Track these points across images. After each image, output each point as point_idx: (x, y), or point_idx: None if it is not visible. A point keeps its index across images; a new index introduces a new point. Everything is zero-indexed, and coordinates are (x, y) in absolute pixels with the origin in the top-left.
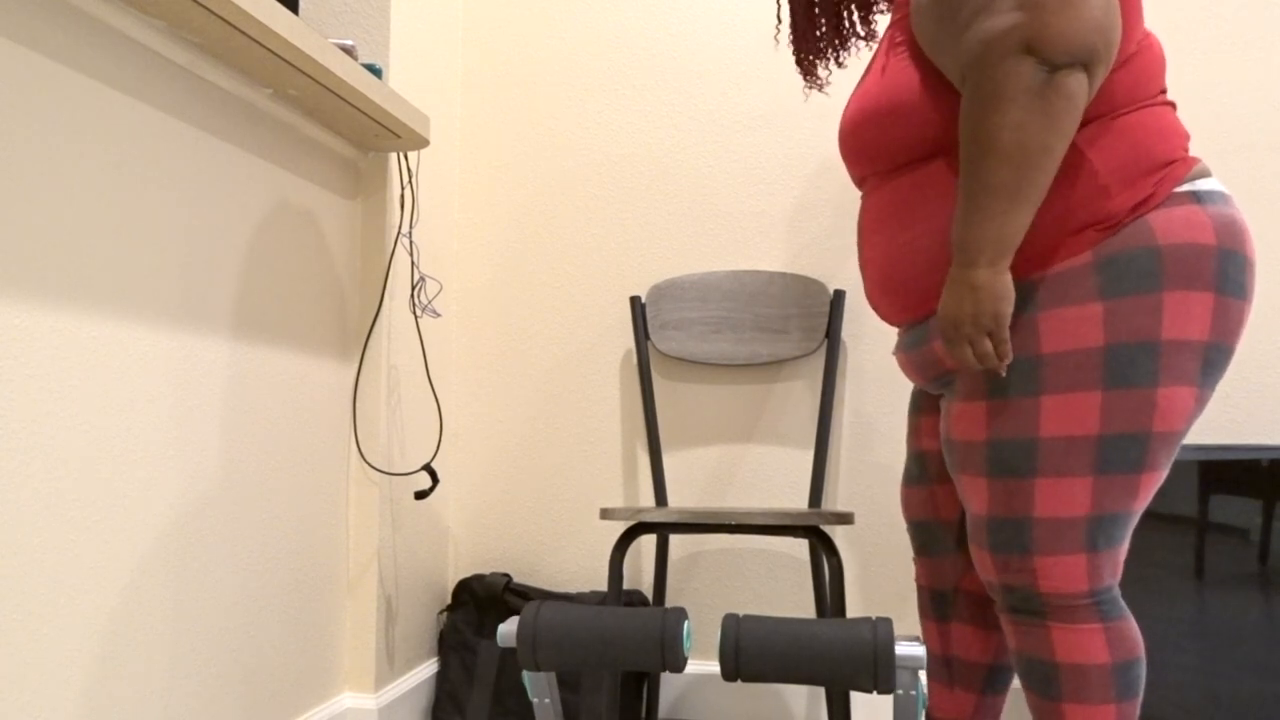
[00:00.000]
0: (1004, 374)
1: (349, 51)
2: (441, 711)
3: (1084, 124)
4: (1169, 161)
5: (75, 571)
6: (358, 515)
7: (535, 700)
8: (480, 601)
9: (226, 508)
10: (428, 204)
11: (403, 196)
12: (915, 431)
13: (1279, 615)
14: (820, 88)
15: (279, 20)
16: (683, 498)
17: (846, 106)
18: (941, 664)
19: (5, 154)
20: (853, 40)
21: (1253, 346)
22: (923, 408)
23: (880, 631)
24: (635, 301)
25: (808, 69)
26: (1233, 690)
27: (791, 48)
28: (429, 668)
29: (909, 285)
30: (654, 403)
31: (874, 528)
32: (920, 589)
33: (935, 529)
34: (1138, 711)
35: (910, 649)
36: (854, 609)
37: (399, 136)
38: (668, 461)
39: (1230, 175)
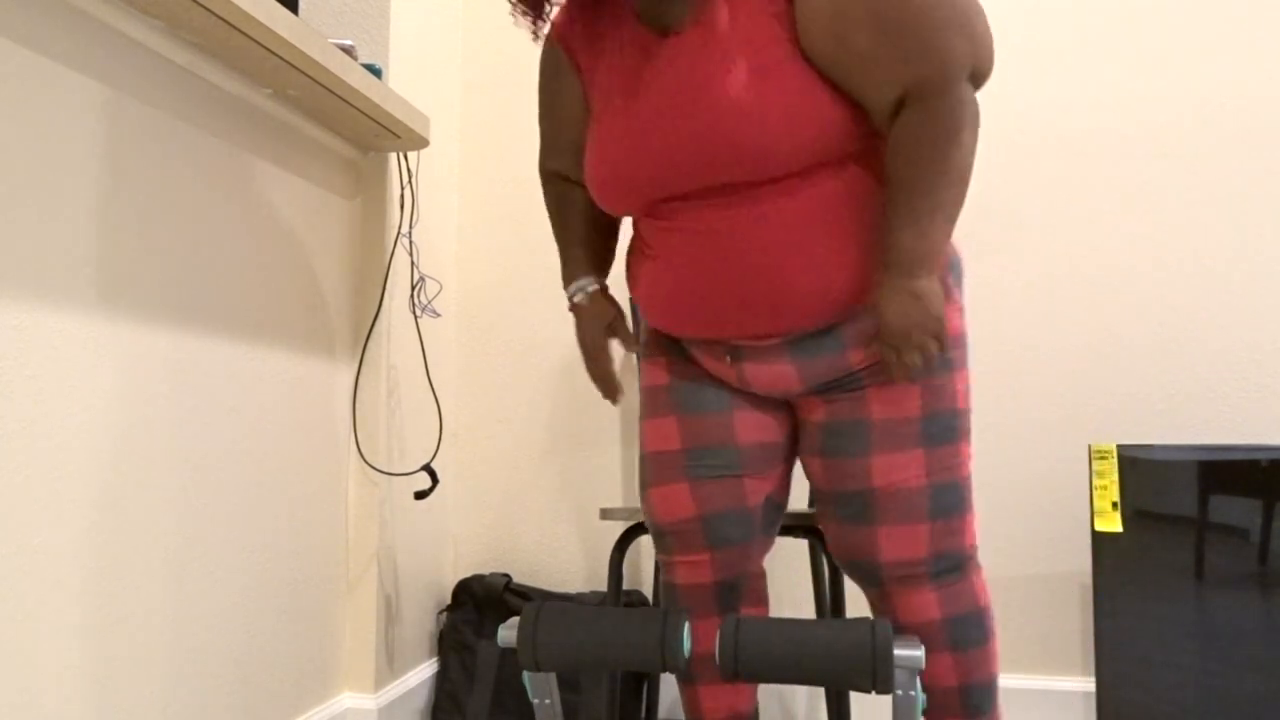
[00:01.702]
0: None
1: (349, 51)
2: (441, 712)
3: None
4: None
5: (75, 571)
6: (358, 515)
7: (535, 701)
8: (480, 602)
9: (226, 508)
10: (428, 204)
11: (402, 196)
12: (724, 429)
13: (1279, 615)
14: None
15: (279, 20)
16: None
17: (700, 99)
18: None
19: (5, 154)
20: None
21: (1252, 347)
22: (734, 405)
23: (879, 632)
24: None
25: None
26: (1233, 690)
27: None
28: (429, 668)
29: (833, 293)
30: None
31: None
32: (699, 587)
33: (742, 516)
34: None
35: (909, 650)
36: (852, 609)
37: (399, 136)
38: None
39: (1230, 174)
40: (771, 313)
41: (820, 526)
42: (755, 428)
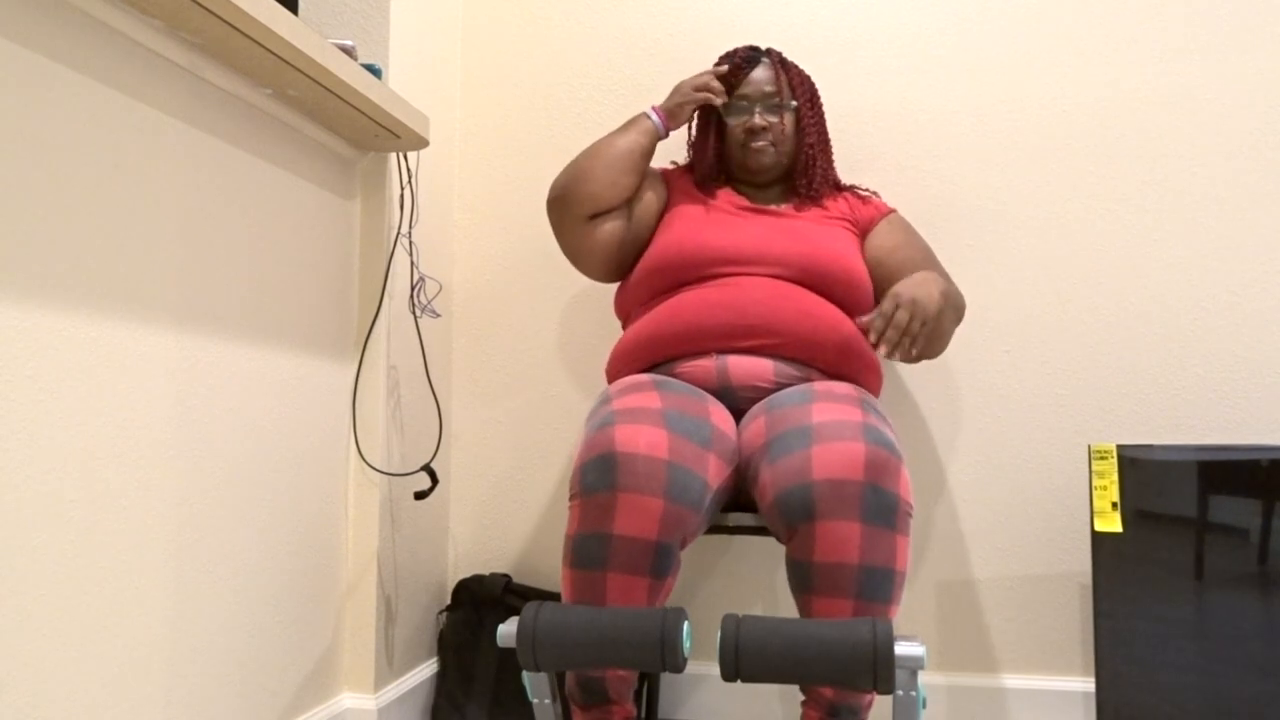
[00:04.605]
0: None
1: (349, 52)
2: (441, 712)
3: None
4: None
5: (75, 571)
6: (357, 515)
7: (535, 700)
8: (480, 602)
9: (226, 508)
10: (427, 204)
11: (402, 197)
12: (701, 408)
13: (1279, 615)
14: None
15: (279, 20)
16: None
17: (810, 239)
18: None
19: (5, 154)
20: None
21: (1253, 347)
22: (709, 400)
23: (880, 631)
24: None
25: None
26: (1233, 690)
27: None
28: (428, 668)
29: (841, 344)
30: None
31: None
32: (639, 542)
33: (702, 486)
34: None
35: (910, 649)
36: None
37: (398, 137)
38: None
39: (1231, 173)
40: (800, 334)
41: (755, 491)
42: (724, 419)
